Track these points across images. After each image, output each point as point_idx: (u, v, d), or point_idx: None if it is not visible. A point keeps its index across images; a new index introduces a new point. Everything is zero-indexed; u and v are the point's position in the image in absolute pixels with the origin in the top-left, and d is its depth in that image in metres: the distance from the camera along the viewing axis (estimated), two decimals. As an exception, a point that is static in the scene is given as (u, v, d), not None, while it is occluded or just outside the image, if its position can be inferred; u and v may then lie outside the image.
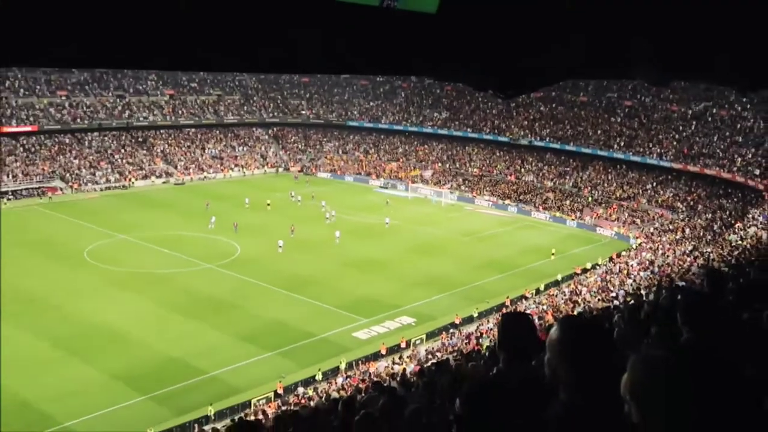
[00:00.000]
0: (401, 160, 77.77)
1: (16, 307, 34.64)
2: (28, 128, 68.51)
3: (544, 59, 7.51)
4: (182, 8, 4.32)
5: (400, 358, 30.88)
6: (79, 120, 72.75)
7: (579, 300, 35.50)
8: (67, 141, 71.00)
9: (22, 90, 71.52)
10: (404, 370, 26.35)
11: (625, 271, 40.14)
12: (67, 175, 66.49)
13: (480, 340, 30.25)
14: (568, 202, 62.14)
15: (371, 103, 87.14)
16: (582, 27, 6.85)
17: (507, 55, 7.31)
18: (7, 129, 66.93)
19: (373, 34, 6.33)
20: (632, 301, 20.66)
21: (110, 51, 5.60)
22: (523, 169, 69.63)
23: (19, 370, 27.91)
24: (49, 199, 61.56)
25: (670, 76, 9.71)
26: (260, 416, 23.04)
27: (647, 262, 41.37)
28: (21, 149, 67.16)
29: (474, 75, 8.18)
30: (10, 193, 60.92)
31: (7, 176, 62.79)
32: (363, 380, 27.09)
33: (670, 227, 52.44)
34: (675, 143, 61.10)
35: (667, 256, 42.00)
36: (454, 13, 5.63)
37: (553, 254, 48.01)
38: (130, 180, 69.12)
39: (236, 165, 78.30)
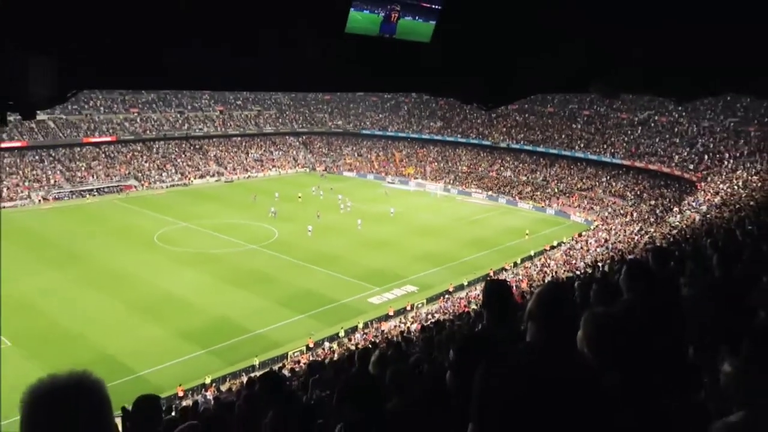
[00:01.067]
0: (404, 160, 77.44)
1: (102, 280, 35.04)
2: (108, 138, 68.70)
3: (518, 78, 7.48)
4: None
5: (405, 318, 30.98)
6: (148, 131, 72.85)
7: (548, 271, 35.39)
8: (139, 148, 71.11)
9: (102, 108, 71.62)
10: (409, 328, 26.44)
11: (585, 248, 39.96)
12: (140, 175, 66.69)
13: (469, 304, 30.28)
14: (538, 193, 61.77)
15: (380, 115, 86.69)
16: (550, 50, 6.81)
17: (488, 75, 7.28)
18: (92, 139, 67.35)
19: (376, 58, 6.28)
20: (590, 272, 20.59)
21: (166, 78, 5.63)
22: (502, 167, 69.16)
23: (105, 329, 28.34)
24: (126, 195, 61.80)
25: (620, 91, 9.63)
26: (295, 366, 23.23)
27: (603, 240, 41.17)
28: (103, 155, 67.42)
29: (461, 91, 8.15)
30: (94, 191, 61.36)
31: (93, 177, 63.26)
32: (376, 336, 27.22)
33: (621, 212, 52.09)
34: (624, 144, 60.55)
35: (619, 235, 41.76)
36: (444, 43, 5.60)
37: (527, 234, 47.78)
38: (189, 179, 69.20)
39: (273, 166, 78.21)
